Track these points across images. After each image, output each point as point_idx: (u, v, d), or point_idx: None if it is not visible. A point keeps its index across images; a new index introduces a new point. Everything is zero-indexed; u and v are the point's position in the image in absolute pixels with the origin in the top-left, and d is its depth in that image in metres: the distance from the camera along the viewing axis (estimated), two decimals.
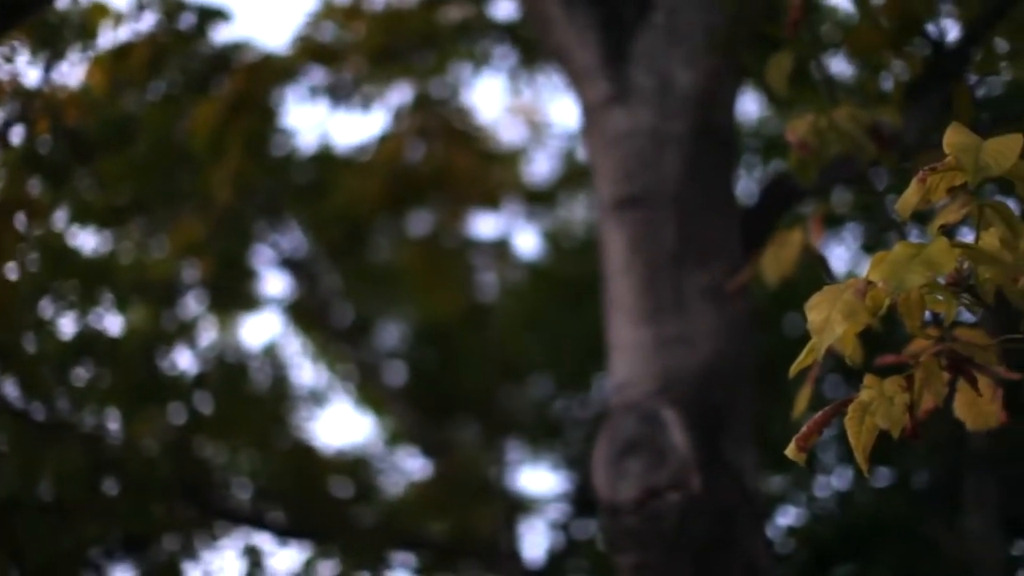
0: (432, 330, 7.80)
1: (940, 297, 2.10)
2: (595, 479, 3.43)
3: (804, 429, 2.08)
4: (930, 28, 4.29)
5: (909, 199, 2.03)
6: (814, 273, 6.88)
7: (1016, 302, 2.27)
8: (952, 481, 6.88)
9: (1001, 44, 4.18)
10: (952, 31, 4.45)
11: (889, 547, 6.94)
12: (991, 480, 6.51)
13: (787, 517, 7.32)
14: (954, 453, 6.77)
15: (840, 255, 7.78)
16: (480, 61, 6.51)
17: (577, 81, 4.02)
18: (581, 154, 8.41)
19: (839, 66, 5.39)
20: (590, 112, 3.98)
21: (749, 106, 7.90)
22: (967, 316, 2.23)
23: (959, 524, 6.51)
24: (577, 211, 8.72)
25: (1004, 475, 6.64)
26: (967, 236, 2.54)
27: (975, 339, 2.54)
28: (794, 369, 2.06)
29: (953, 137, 1.99)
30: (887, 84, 4.34)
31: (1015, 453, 6.75)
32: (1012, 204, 2.14)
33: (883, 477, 7.19)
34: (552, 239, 8.55)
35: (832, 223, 7.10)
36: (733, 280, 3.66)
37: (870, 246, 7.81)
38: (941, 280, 2.03)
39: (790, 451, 2.07)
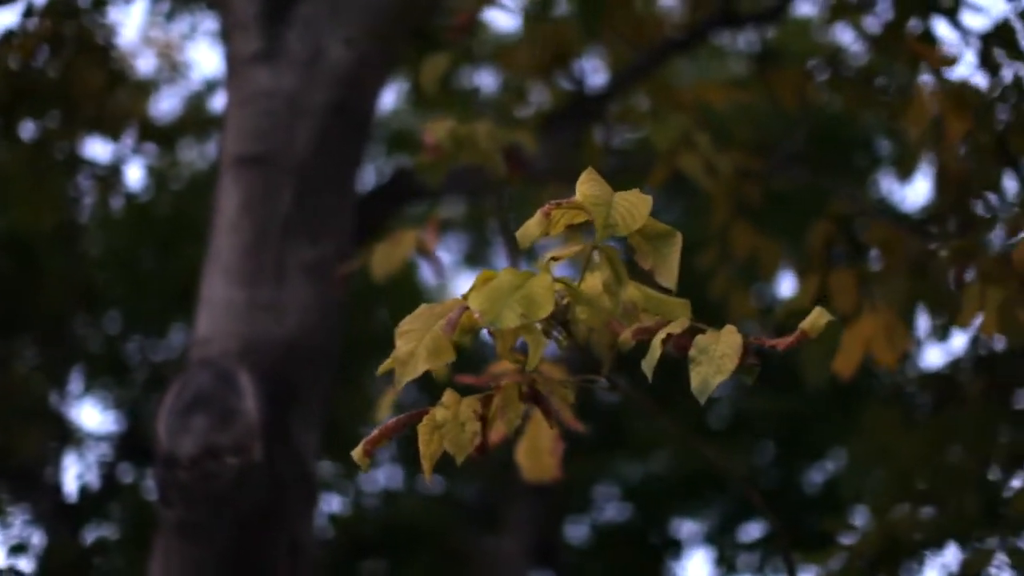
0: (16, 240, 7.53)
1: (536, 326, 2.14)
2: (158, 427, 3.37)
3: (374, 434, 2.07)
4: (579, 67, 4.41)
5: (531, 230, 2.06)
6: (407, 274, 6.94)
7: (599, 348, 2.33)
8: (495, 500, 7.07)
9: (643, 99, 4.34)
10: (600, 75, 4.60)
11: (423, 552, 7.07)
12: (532, 506, 6.73)
13: (331, 504, 7.38)
14: (502, 475, 6.96)
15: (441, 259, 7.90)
16: None
17: (230, 30, 3.96)
18: (211, 102, 8.30)
19: (487, 81, 5.49)
20: (235, 64, 3.91)
21: (384, 97, 7.95)
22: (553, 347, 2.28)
23: (493, 542, 6.69)
24: (191, 155, 8.58)
25: (545, 504, 6.87)
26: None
27: (555, 373, 2.60)
28: (381, 370, 2.06)
29: (586, 187, 2.01)
30: (529, 109, 4.44)
31: (558, 485, 6.98)
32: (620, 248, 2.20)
33: (434, 484, 7.32)
34: (159, 178, 8.38)
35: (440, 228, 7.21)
36: (340, 264, 3.66)
37: (472, 257, 7.97)
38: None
39: (356, 454, 2.06)
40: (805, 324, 1.99)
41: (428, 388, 7.06)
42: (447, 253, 8.30)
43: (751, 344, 1.96)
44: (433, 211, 5.74)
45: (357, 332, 6.78)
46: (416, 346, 1.92)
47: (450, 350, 1.91)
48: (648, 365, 1.95)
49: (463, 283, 8.60)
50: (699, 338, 1.95)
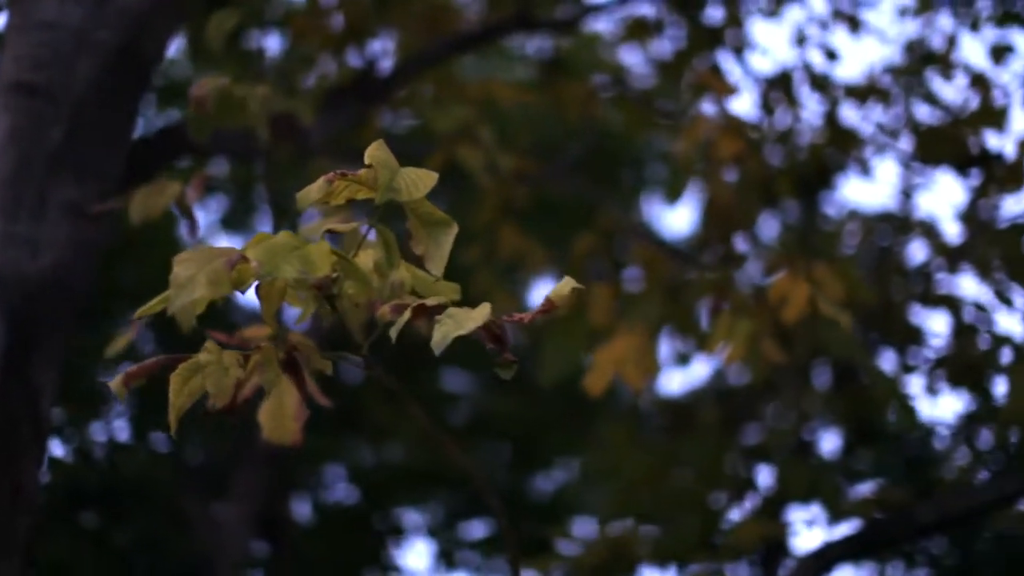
0: None
1: (301, 295, 2.14)
2: None
3: (134, 368, 2.07)
4: (370, 46, 4.40)
5: (311, 193, 2.06)
6: (163, 230, 6.83)
7: (351, 325, 2.33)
8: (224, 466, 7.00)
9: (428, 88, 4.35)
10: (391, 59, 4.59)
11: (144, 509, 6.96)
12: (260, 477, 6.68)
13: (55, 450, 7.22)
14: (233, 440, 6.90)
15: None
16: None
17: None
18: None
19: (273, 46, 5.43)
20: None
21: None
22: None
23: (217, 509, 6.62)
24: None
25: (273, 476, 6.82)
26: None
27: (303, 344, 2.60)
28: (140, 312, 2.05)
29: (376, 152, 2.03)
30: (311, 81, 4.42)
31: (287, 459, 6.94)
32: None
33: (162, 442, 7.22)
34: None
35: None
36: (102, 204, 3.58)
37: (231, 221, 7.89)
38: (311, 280, 2.06)
39: (115, 384, 2.05)
40: (551, 293, 2.02)
41: (167, 344, 6.97)
42: (206, 213, 8.20)
43: (499, 320, 1.99)
44: (199, 168, 5.66)
45: (104, 283, 6.65)
46: (196, 272, 1.90)
47: (228, 284, 1.90)
48: (395, 329, 1.97)
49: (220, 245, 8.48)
50: (451, 308, 1.98)
